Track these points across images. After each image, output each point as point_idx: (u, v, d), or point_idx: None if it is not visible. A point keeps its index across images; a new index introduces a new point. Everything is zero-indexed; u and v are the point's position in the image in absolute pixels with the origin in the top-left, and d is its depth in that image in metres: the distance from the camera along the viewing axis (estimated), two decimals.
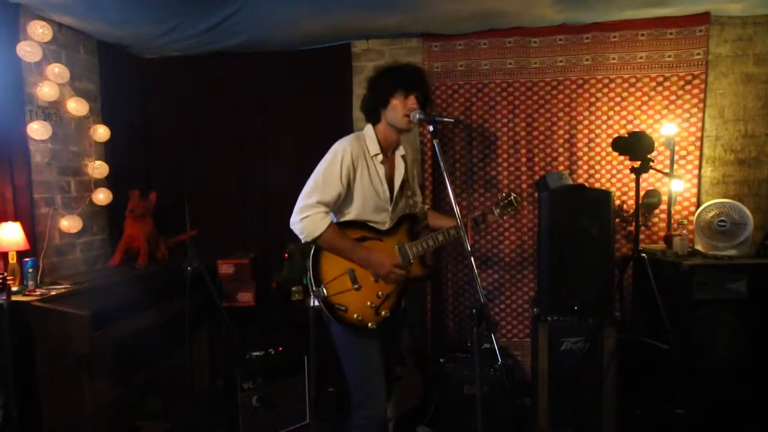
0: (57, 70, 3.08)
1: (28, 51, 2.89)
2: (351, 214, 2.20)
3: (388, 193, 2.21)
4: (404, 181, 2.29)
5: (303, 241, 2.12)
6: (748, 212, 3.02)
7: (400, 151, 2.30)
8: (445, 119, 2.07)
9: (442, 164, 1.85)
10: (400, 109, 2.12)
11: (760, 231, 3.21)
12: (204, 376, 3.73)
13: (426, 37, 3.63)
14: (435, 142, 1.91)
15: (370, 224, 2.22)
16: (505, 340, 3.69)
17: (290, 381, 3.19)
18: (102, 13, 3.06)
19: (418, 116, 2.06)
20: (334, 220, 2.19)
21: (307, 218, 2.07)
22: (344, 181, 2.11)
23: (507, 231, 3.65)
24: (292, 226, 2.12)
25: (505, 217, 2.53)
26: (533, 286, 3.60)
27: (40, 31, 2.96)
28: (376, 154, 2.18)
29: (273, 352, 3.23)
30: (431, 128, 1.95)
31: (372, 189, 2.18)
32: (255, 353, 3.20)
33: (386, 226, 2.24)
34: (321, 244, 2.11)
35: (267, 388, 3.09)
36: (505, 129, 3.59)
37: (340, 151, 2.12)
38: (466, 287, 3.74)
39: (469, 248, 1.80)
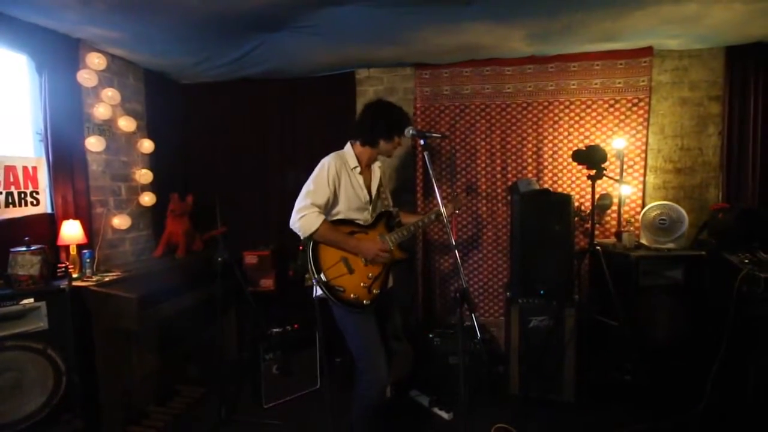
0: (110, 94, 3.11)
1: (86, 78, 2.94)
2: (340, 214, 2.25)
3: (367, 197, 2.30)
4: (379, 186, 2.38)
5: (302, 237, 2.13)
6: (684, 212, 3.05)
7: (377, 164, 2.40)
8: (434, 135, 2.11)
9: (431, 172, 1.87)
10: (396, 144, 2.28)
11: (694, 228, 3.26)
12: (232, 349, 3.74)
13: (417, 66, 3.64)
14: (425, 153, 1.94)
15: (356, 221, 2.27)
16: (483, 318, 3.69)
17: (304, 353, 3.19)
18: (148, 47, 3.09)
19: (411, 132, 2.06)
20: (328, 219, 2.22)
21: (303, 217, 2.10)
22: (331, 187, 2.17)
23: (485, 228, 3.64)
24: (291, 225, 2.14)
25: (458, 211, 2.85)
26: (507, 273, 3.60)
27: (96, 61, 2.99)
28: (355, 167, 2.26)
29: (290, 329, 3.25)
30: (422, 142, 1.98)
31: (354, 193, 2.25)
32: (275, 330, 3.22)
33: (368, 222, 2.30)
34: (317, 238, 2.13)
35: (285, 358, 3.12)
36: (483, 143, 3.59)
37: (326, 164, 2.19)
38: (451, 274, 3.73)
39: (454, 242, 1.82)
